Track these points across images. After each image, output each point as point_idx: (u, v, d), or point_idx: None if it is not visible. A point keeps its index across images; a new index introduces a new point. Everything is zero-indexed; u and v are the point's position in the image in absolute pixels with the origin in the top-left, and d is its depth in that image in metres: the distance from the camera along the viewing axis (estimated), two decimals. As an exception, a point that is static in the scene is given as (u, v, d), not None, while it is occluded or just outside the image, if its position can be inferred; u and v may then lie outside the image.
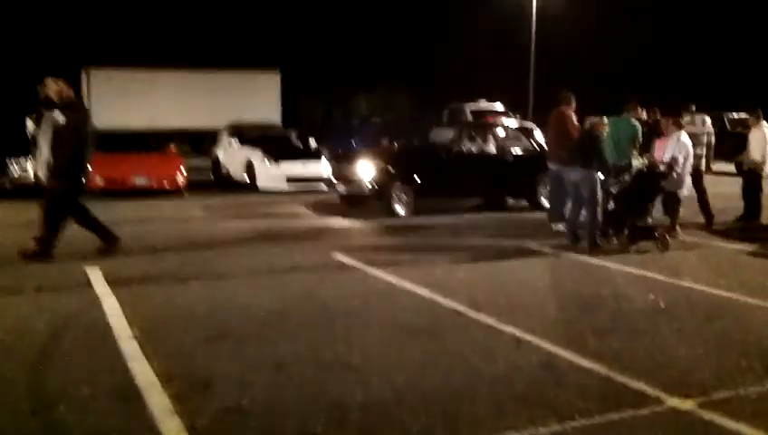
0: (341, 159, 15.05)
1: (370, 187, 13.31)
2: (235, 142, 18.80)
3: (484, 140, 14.70)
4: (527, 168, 14.33)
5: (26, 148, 16.45)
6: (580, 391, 4.82)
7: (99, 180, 15.36)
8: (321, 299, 7.18)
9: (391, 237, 11.46)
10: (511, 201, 14.97)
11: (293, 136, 19.54)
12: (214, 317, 6.49)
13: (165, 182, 15.78)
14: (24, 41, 39.71)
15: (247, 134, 19.01)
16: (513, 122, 26.37)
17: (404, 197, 13.27)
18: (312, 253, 9.69)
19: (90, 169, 15.38)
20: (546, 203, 13.58)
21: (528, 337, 5.99)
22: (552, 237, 10.94)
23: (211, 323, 6.31)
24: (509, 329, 6.20)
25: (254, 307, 6.82)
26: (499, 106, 27.41)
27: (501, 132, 15.34)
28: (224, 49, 38.40)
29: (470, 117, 24.62)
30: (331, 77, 41.62)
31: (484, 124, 18.04)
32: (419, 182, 13.31)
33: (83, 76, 29.58)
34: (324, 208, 14.27)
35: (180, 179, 16.03)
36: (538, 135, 22.66)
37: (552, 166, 12.14)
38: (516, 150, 14.77)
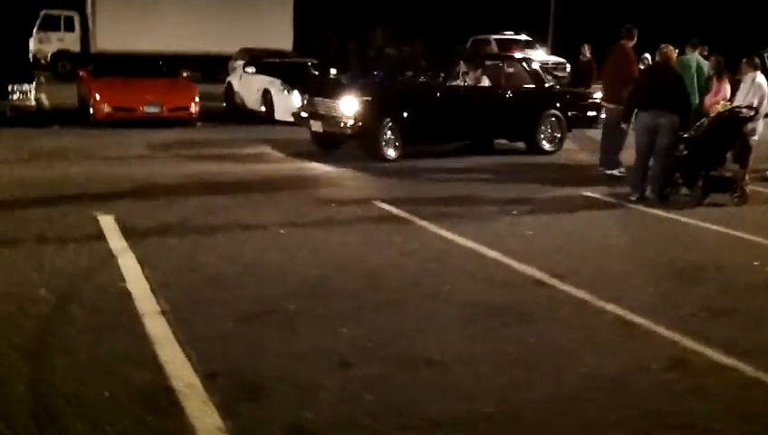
0: (316, 92, 12.48)
1: (353, 124, 11.08)
2: (250, 69, 17.47)
3: (487, 76, 12.66)
4: (527, 106, 12.57)
5: (28, 72, 15.40)
6: (729, 404, 3.76)
7: (105, 108, 14.14)
8: (370, 261, 6.08)
9: (416, 183, 9.89)
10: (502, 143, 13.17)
11: (313, 65, 18.17)
12: (247, 284, 5.41)
13: (178, 111, 14.51)
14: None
15: (264, 61, 17.64)
16: (540, 54, 24.98)
17: (392, 137, 11.33)
18: (349, 200, 8.57)
19: (95, 94, 14.46)
20: (547, 146, 12.65)
21: (636, 319, 4.93)
22: (602, 184, 9.81)
23: (246, 292, 5.22)
24: (609, 307, 5.13)
25: (289, 272, 5.72)
26: (524, 38, 25.96)
27: (506, 67, 12.97)
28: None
29: (495, 48, 23.20)
30: (345, 5, 39.75)
31: (486, 58, 16.05)
32: (409, 120, 11.33)
33: (88, -4, 28.00)
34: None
35: (194, 109, 14.77)
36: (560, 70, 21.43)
37: (609, 106, 10.96)
38: (517, 86, 12.71)
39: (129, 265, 5.69)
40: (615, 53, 11.04)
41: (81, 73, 16.24)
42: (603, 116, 11.61)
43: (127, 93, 14.37)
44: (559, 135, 12.86)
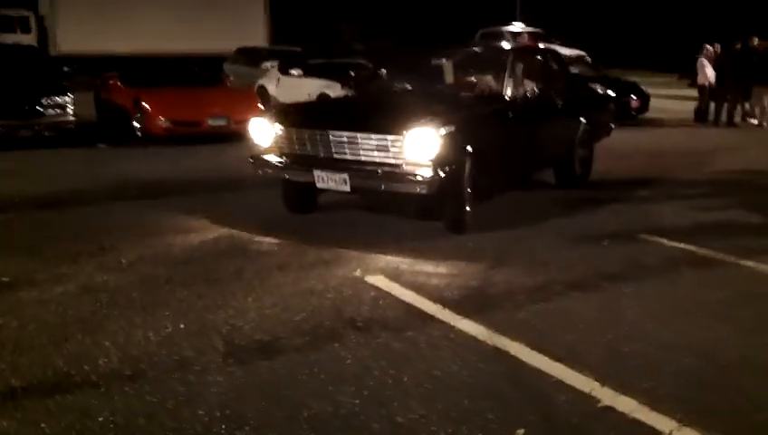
0: (334, 120, 6.83)
1: (431, 178, 6.11)
2: (296, 72, 15.49)
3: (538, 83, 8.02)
4: (569, 121, 8.86)
5: (59, 82, 12.95)
6: None
7: (163, 122, 11.98)
8: None
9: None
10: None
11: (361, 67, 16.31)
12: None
13: (244, 123, 12.41)
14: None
15: (312, 63, 15.73)
16: (562, 49, 23.60)
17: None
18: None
19: (147, 107, 12.26)
20: (579, 170, 8.91)
21: None
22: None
23: None
24: None
25: None
26: (539, 31, 24.53)
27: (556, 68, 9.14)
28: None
29: (512, 42, 21.60)
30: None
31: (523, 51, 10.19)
32: (486, 162, 6.68)
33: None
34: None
35: (259, 119, 12.73)
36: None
37: None
38: (562, 94, 8.68)
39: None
40: None
41: (110, 81, 13.91)
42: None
43: (188, 105, 12.24)
44: (588, 154, 9.22)
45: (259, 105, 12.97)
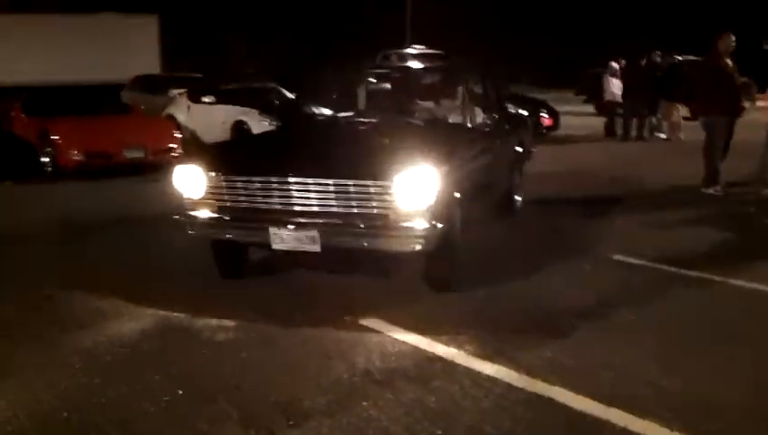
0: (299, 166, 5.33)
1: (428, 231, 4.99)
2: (208, 99, 14.79)
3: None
4: (508, 146, 8.14)
5: None
6: None
7: (75, 154, 11.12)
8: None
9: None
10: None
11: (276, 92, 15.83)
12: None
13: (162, 154, 11.70)
14: None
15: (224, 88, 15.10)
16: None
17: None
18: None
19: (57, 139, 11.30)
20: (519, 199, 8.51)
21: None
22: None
23: None
24: None
25: None
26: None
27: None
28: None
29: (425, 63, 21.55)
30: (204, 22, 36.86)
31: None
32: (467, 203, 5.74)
33: None
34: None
35: (178, 149, 12.04)
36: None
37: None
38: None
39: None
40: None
41: (10, 112, 12.80)
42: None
43: (102, 135, 11.39)
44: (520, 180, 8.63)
45: (176, 135, 12.26)
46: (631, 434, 3.48)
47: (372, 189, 4.96)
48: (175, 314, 5.09)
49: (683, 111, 16.32)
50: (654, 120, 16.96)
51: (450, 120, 6.77)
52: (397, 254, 5.24)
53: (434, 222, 4.96)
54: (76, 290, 5.66)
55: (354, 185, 4.99)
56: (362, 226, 4.98)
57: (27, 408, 3.76)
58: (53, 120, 11.62)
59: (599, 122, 18.68)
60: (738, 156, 10.02)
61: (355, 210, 5.02)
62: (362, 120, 6.94)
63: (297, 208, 5.13)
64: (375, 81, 7.70)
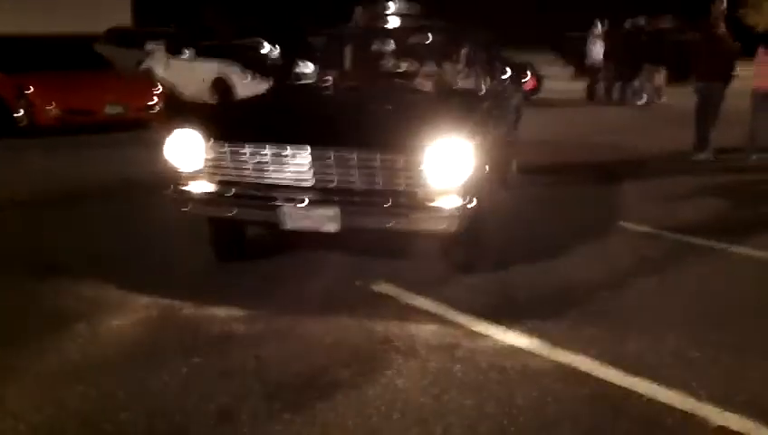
0: (317, 136, 4.66)
1: (461, 209, 4.46)
2: (188, 53, 14.47)
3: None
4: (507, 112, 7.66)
5: None
6: None
7: (53, 110, 10.80)
8: None
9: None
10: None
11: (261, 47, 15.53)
12: None
13: (143, 111, 11.43)
14: None
15: (204, 44, 14.77)
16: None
17: None
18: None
19: (35, 95, 10.92)
20: None
21: None
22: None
23: None
24: None
25: None
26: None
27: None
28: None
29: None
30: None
31: None
32: None
33: None
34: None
35: (159, 106, 11.77)
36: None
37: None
38: None
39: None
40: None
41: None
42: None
43: (81, 91, 11.07)
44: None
45: (158, 90, 11.96)
46: (658, 404, 3.45)
47: (402, 164, 4.39)
48: (179, 291, 4.73)
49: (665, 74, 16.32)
50: (636, 83, 16.93)
51: (461, 86, 6.22)
52: (425, 234, 4.72)
53: (467, 200, 4.45)
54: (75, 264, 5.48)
55: (381, 159, 4.40)
56: (387, 204, 4.41)
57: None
58: (29, 75, 11.22)
59: (580, 86, 18.62)
60: (723, 123, 10.00)
61: (379, 187, 4.44)
62: (376, 86, 6.29)
63: (313, 184, 4.51)
64: (364, 39, 7.08)
